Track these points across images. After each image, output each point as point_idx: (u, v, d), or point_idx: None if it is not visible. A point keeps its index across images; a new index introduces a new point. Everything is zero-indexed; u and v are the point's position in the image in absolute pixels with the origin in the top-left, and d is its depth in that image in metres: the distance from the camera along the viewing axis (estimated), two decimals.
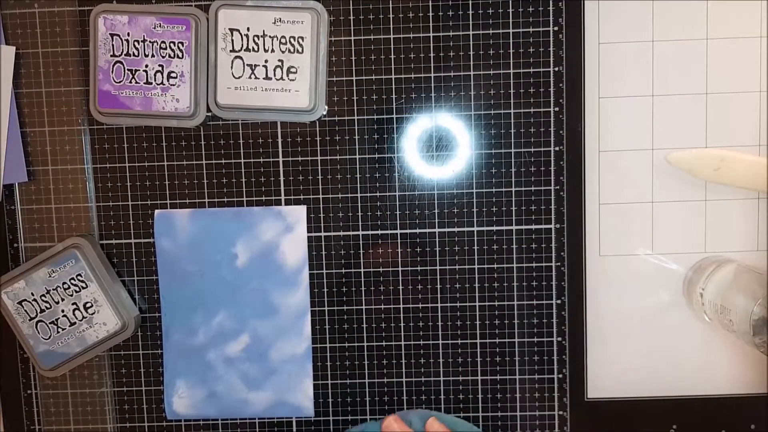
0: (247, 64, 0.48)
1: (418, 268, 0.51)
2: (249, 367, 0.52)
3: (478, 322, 0.51)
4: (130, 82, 0.48)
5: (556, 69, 0.50)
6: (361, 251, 0.51)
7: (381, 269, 0.51)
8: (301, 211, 0.51)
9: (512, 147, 0.50)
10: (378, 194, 0.51)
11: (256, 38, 0.47)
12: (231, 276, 0.52)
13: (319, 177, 0.51)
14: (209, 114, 0.49)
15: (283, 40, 0.47)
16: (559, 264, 0.51)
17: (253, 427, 0.53)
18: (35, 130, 0.51)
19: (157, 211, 0.52)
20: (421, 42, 0.50)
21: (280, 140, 0.51)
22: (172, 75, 0.48)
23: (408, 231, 0.51)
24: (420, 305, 0.52)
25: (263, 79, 0.48)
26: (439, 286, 0.51)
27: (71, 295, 0.50)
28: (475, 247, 0.51)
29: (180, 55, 0.48)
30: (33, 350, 0.50)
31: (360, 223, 0.51)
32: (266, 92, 0.48)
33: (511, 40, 0.49)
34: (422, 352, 0.52)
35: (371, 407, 0.52)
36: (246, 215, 0.51)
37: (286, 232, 0.51)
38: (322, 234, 0.51)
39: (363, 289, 0.52)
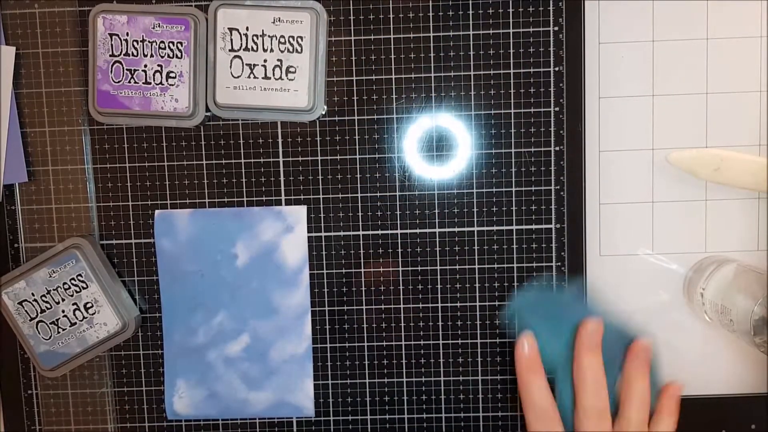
0: (246, 64, 0.48)
1: (419, 268, 0.51)
2: (249, 367, 0.52)
3: (478, 322, 0.51)
4: (129, 81, 0.48)
5: (556, 69, 0.49)
6: (362, 251, 0.51)
7: (381, 269, 0.51)
8: (301, 211, 0.51)
9: (512, 147, 0.50)
10: (378, 194, 0.51)
11: (255, 38, 0.47)
12: (231, 276, 0.52)
13: (319, 177, 0.51)
14: (208, 114, 0.49)
15: (282, 40, 0.47)
16: (559, 264, 0.51)
17: (254, 427, 0.53)
18: (35, 130, 0.51)
19: (157, 211, 0.51)
20: (421, 42, 0.50)
21: (280, 140, 0.51)
22: (171, 75, 0.48)
23: (408, 231, 0.51)
24: (420, 305, 0.52)
25: (262, 78, 0.48)
26: (439, 286, 0.51)
27: (72, 296, 0.50)
28: (475, 247, 0.51)
29: (179, 55, 0.48)
30: (33, 350, 0.50)
31: (360, 223, 0.51)
32: (265, 92, 0.48)
33: (511, 40, 0.49)
34: (422, 352, 0.52)
35: (371, 407, 0.52)
36: (246, 215, 0.51)
37: (286, 232, 0.51)
38: (323, 234, 0.51)
39: (363, 289, 0.52)
